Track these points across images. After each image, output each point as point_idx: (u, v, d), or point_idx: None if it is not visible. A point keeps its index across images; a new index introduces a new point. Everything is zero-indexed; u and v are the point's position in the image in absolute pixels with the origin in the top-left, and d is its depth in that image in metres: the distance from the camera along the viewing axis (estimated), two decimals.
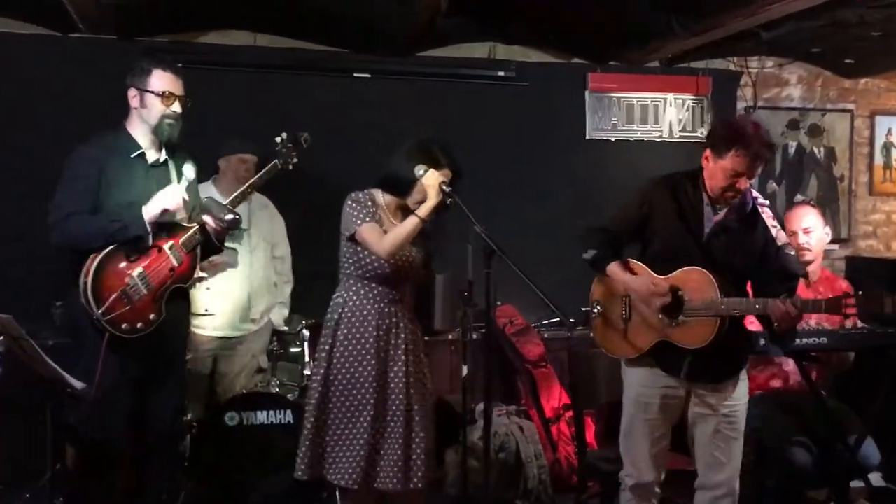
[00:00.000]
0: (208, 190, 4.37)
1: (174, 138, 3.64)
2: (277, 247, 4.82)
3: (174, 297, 3.60)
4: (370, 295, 3.47)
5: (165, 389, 3.69)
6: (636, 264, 3.41)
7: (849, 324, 3.96)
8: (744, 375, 3.41)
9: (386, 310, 3.47)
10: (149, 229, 3.47)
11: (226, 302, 4.57)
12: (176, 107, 3.59)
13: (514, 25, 5.33)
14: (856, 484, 4.10)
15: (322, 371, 3.48)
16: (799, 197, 6.04)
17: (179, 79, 3.62)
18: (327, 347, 3.48)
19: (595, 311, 3.52)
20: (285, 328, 4.67)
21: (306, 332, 4.43)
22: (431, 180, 3.34)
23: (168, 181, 3.64)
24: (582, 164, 5.74)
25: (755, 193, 3.33)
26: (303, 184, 5.11)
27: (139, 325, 3.48)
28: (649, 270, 3.36)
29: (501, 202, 5.39)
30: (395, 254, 3.38)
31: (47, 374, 3.18)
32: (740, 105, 6.01)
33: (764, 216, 3.27)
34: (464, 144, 5.41)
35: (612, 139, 5.82)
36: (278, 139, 3.85)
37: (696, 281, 3.23)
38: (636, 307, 3.37)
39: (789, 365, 4.02)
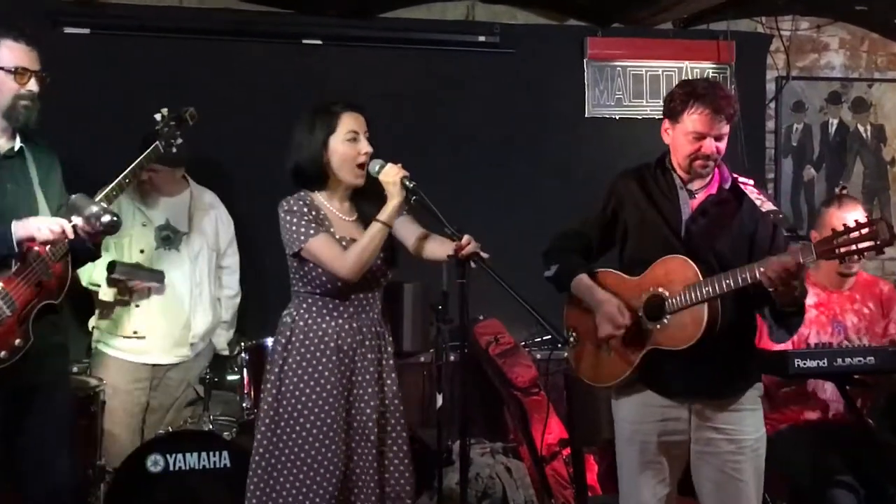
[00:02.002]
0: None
1: (31, 123, 3.55)
2: (225, 255, 4.82)
3: (45, 317, 3.50)
4: (325, 310, 3.46)
5: (50, 432, 3.58)
6: (609, 273, 3.46)
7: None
8: (756, 403, 3.40)
9: (347, 326, 3.45)
10: (16, 250, 3.37)
11: (160, 321, 4.55)
12: (32, 85, 3.51)
13: None
14: None
15: (269, 409, 3.44)
16: (842, 186, 6.06)
17: (35, 50, 3.53)
18: (273, 378, 3.45)
19: (571, 339, 3.54)
20: (227, 352, 4.68)
21: (245, 356, 4.41)
22: (391, 176, 3.34)
23: (24, 176, 3.56)
24: (580, 148, 5.73)
25: (734, 174, 3.41)
26: (240, 177, 5.11)
27: (2, 353, 3.37)
28: (624, 276, 3.41)
29: (483, 196, 5.39)
30: (362, 272, 3.38)
31: None
32: (770, 74, 6.03)
33: (747, 191, 3.34)
34: (436, 124, 5.52)
35: (617, 117, 5.82)
36: (158, 116, 3.78)
37: (675, 271, 3.27)
38: None
39: (826, 392, 4.04)
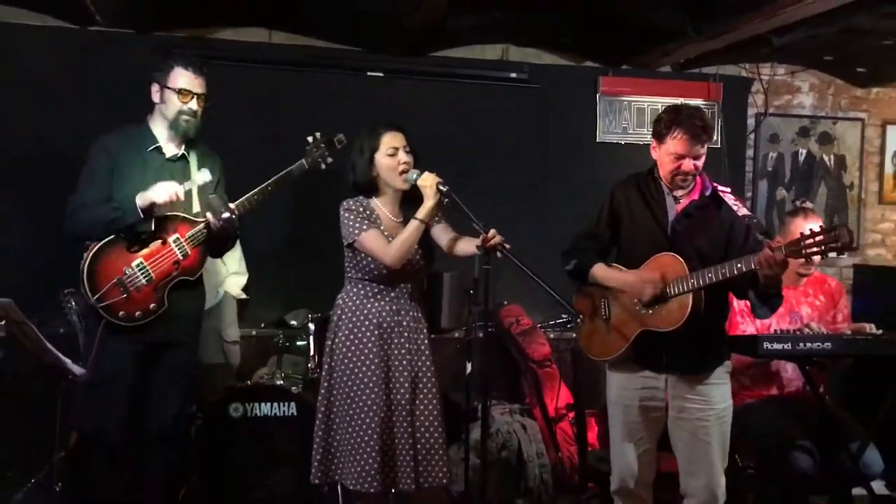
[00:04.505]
0: None
1: (190, 134, 3.64)
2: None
3: (181, 289, 3.58)
4: (370, 294, 3.45)
5: (169, 381, 3.64)
6: (613, 267, 3.42)
7: (843, 327, 3.91)
8: (724, 378, 3.35)
9: (387, 308, 3.44)
10: (141, 216, 3.45)
11: None
12: (193, 104, 3.60)
13: (528, 26, 5.26)
14: (858, 491, 3.99)
15: (326, 374, 3.48)
16: (808, 203, 5.90)
17: (199, 77, 3.64)
18: (328, 350, 3.48)
19: (579, 320, 3.52)
20: (244, 296, 4.68)
21: (312, 326, 4.37)
22: (427, 181, 3.34)
23: (185, 176, 3.63)
24: (592, 167, 5.64)
25: (714, 183, 3.36)
26: (313, 182, 5.08)
27: (137, 313, 3.47)
28: (625, 270, 3.36)
29: (510, 204, 5.32)
30: (403, 261, 3.36)
31: (48, 359, 3.16)
32: (751, 111, 5.92)
33: (725, 198, 3.30)
34: (474, 145, 5.45)
35: (623, 143, 5.73)
36: (310, 138, 3.80)
37: (668, 265, 3.22)
38: (615, 303, 3.36)
39: (788, 372, 3.95)
